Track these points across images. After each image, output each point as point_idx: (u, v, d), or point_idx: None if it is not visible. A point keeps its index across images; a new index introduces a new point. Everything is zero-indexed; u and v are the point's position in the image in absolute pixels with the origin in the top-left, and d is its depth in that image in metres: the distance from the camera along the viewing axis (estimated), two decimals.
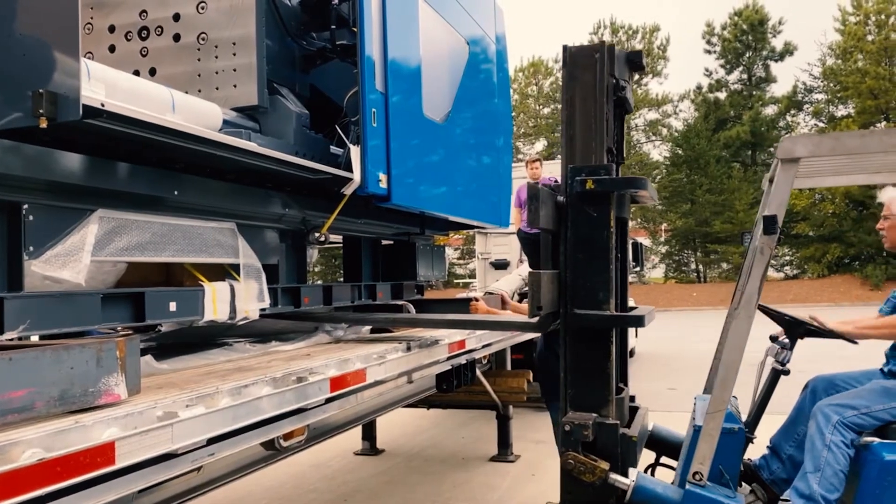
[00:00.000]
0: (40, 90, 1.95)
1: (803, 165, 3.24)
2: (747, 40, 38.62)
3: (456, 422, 8.58)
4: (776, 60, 39.11)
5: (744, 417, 3.38)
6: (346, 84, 3.92)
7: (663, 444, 3.58)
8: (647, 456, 3.59)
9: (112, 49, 3.76)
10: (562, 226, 3.17)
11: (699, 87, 40.55)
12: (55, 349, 1.83)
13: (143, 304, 2.72)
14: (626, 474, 3.00)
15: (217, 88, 3.55)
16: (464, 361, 4.53)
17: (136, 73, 3.61)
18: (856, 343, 3.34)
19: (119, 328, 2.56)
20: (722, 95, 39.79)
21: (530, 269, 3.03)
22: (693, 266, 41.00)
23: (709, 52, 40.04)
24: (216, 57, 3.57)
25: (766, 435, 3.61)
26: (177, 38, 3.65)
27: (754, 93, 39.18)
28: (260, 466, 3.24)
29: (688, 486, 2.96)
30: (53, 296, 2.33)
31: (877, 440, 2.94)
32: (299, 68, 4.06)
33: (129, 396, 2.00)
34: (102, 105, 2.11)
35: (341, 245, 4.98)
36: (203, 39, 3.60)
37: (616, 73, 3.28)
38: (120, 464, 1.78)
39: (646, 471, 3.48)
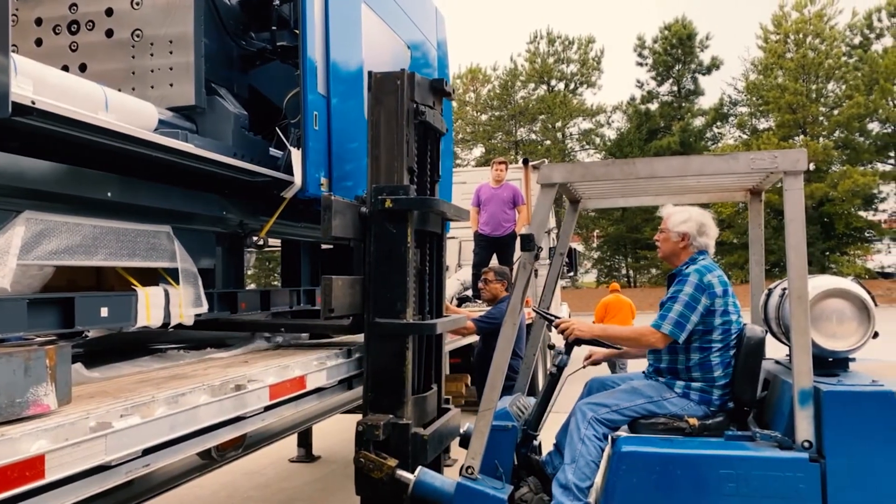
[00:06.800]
0: None
1: (588, 189, 3.82)
2: (677, 54, 39.99)
3: None
4: (704, 74, 40.62)
5: None
6: (285, 85, 3.86)
7: None
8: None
9: (39, 43, 3.60)
10: (366, 237, 3.38)
11: (632, 98, 41.75)
12: None
13: (73, 309, 2.60)
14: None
15: (152, 87, 3.45)
16: None
17: (65, 68, 3.46)
18: (620, 349, 3.67)
19: (34, 335, 2.44)
20: (653, 106, 41.08)
21: (331, 277, 3.21)
22: (624, 271, 42.12)
23: (641, 64, 41.30)
24: (152, 55, 3.47)
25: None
26: (109, 33, 3.52)
27: (683, 104, 40.58)
28: (194, 476, 3.15)
29: (459, 479, 3.20)
30: None
31: (624, 434, 3.24)
32: (238, 68, 3.98)
33: (60, 407, 1.92)
34: (33, 102, 2.02)
35: (278, 248, 4.90)
36: (138, 36, 3.48)
37: (418, 99, 3.52)
38: (50, 477, 1.71)
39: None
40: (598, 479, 3.24)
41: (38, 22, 3.60)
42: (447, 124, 6.06)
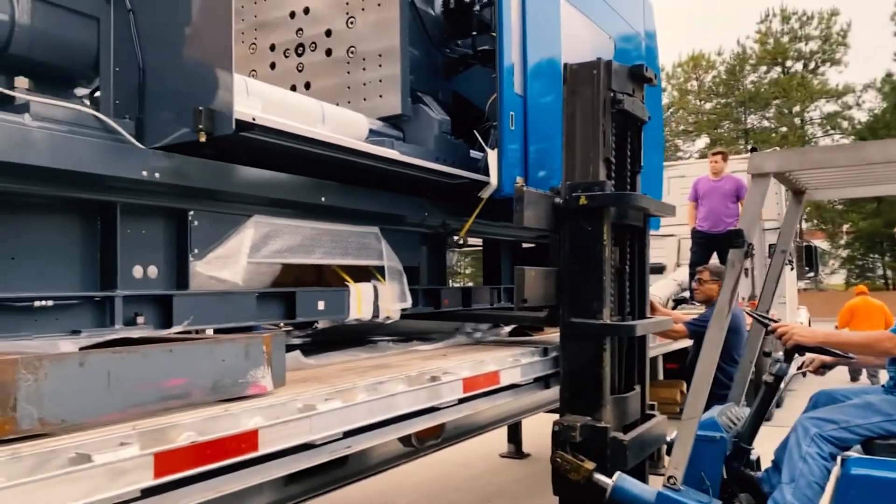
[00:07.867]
0: (199, 107, 2.15)
1: (813, 179, 3.48)
2: None
3: None
4: None
5: None
6: (488, 89, 3.95)
7: None
8: None
9: (273, 66, 4.07)
10: (560, 233, 3.35)
11: (888, 75, 36.38)
12: (208, 343, 2.02)
13: (294, 302, 2.92)
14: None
15: (364, 99, 3.73)
16: None
17: (293, 87, 3.88)
18: (851, 358, 3.36)
19: (267, 325, 2.77)
20: None
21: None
22: (880, 271, 36.89)
23: None
24: (364, 69, 3.75)
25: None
26: (328, 52, 3.88)
27: None
28: (400, 462, 3.36)
29: (661, 489, 3.07)
30: (215, 294, 2.57)
31: (854, 455, 2.93)
32: (442, 76, 4.16)
33: (275, 389, 2.15)
34: (254, 119, 2.29)
35: (480, 248, 5.02)
36: (352, 53, 3.79)
37: (616, 87, 3.39)
38: (262, 451, 1.93)
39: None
40: (824, 503, 2.90)
41: (272, 48, 4.08)
42: (652, 113, 5.79)
